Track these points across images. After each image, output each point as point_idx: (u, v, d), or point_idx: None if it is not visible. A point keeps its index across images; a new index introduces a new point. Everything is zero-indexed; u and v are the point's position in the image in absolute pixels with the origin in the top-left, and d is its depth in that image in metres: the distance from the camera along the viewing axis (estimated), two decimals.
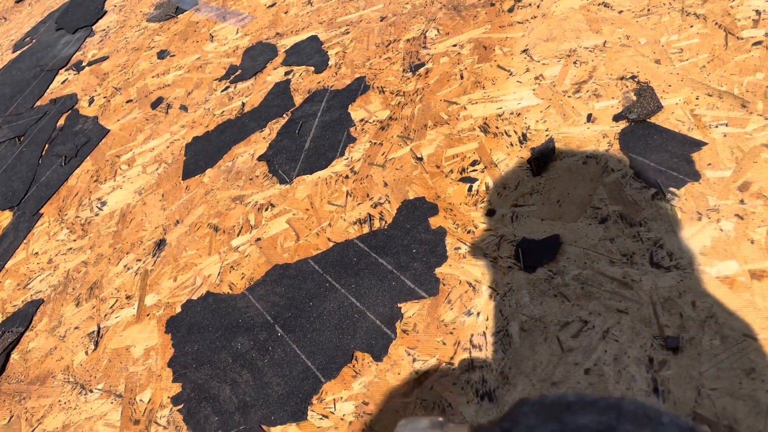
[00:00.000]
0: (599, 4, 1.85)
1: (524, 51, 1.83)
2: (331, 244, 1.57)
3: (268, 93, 2.19)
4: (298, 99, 2.10)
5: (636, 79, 1.59)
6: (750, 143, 1.33)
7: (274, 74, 2.27)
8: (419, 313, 1.34)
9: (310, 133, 1.94)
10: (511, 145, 1.58)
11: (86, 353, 1.59)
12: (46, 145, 2.46)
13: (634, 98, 1.54)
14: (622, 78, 1.61)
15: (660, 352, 1.11)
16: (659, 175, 1.36)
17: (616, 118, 1.52)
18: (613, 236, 1.30)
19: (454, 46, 1.99)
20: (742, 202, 1.24)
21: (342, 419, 1.24)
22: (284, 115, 2.06)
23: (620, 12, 1.79)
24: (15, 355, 1.67)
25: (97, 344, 1.60)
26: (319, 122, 1.96)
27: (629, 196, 1.35)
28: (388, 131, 1.81)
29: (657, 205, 1.31)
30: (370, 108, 1.93)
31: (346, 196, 1.68)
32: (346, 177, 1.73)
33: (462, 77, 1.86)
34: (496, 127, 1.65)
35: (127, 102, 2.50)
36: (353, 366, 1.32)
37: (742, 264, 1.16)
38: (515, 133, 1.61)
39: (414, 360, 1.27)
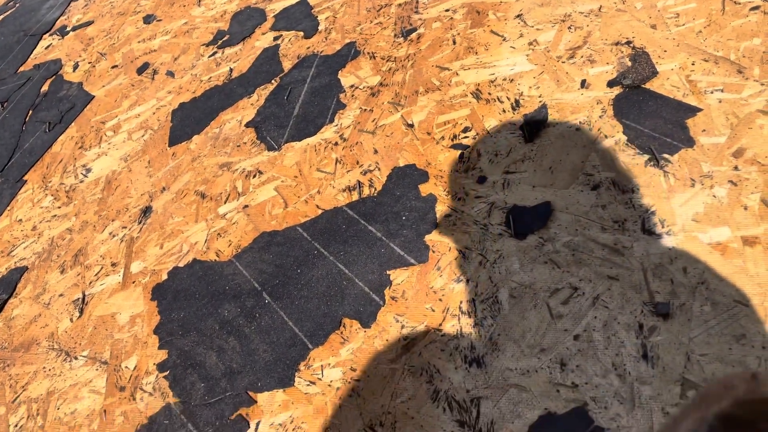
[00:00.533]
0: None
1: (518, 16, 1.79)
2: (320, 212, 1.55)
3: (257, 58, 2.14)
4: (287, 65, 2.06)
5: (631, 45, 1.56)
6: (745, 109, 1.31)
7: (262, 39, 2.22)
8: (408, 280, 1.33)
9: (299, 100, 1.90)
10: (504, 111, 1.55)
11: (71, 320, 1.57)
12: (30, 111, 2.40)
13: (629, 64, 1.51)
14: (617, 43, 1.58)
15: (650, 319, 1.10)
16: (653, 142, 1.34)
17: (611, 83, 1.49)
18: (605, 203, 1.28)
19: (447, 11, 1.95)
20: (736, 168, 1.23)
21: (329, 385, 1.23)
22: (273, 81, 2.02)
23: None
24: None
25: (82, 311, 1.58)
26: (309, 88, 1.92)
27: (622, 163, 1.33)
28: (378, 97, 1.78)
29: (650, 171, 1.29)
30: (361, 74, 1.89)
31: (336, 163, 1.65)
32: (336, 144, 1.70)
33: (454, 43, 1.82)
34: (489, 94, 1.62)
35: (113, 67, 2.45)
36: (341, 333, 1.30)
37: (734, 230, 1.14)
38: (508, 99, 1.58)
39: (402, 327, 1.26)
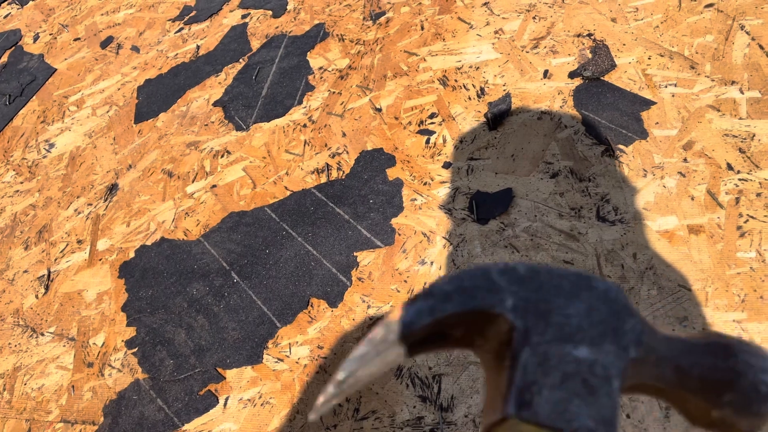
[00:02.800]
0: None
1: (485, 4, 1.83)
2: (288, 193, 1.58)
3: (224, 36, 2.14)
4: (255, 44, 2.06)
5: (592, 37, 1.61)
6: (696, 104, 1.38)
7: (230, 17, 2.22)
8: (374, 262, 1.37)
9: (267, 80, 1.92)
10: (469, 98, 1.60)
11: (36, 297, 1.58)
12: None
13: (590, 56, 1.57)
14: (579, 35, 1.63)
15: None
16: (609, 133, 1.40)
17: (572, 75, 1.55)
18: (563, 191, 1.34)
19: None
20: (685, 160, 1.30)
21: (297, 362, 1.27)
22: (241, 60, 2.02)
23: None
24: None
25: (47, 288, 1.58)
26: (277, 69, 1.93)
27: (580, 153, 1.39)
28: (347, 80, 1.81)
29: (606, 161, 1.36)
30: (329, 56, 1.91)
31: (304, 145, 1.68)
32: (304, 126, 1.73)
33: (422, 28, 1.85)
34: (455, 80, 1.66)
35: (75, 40, 2.41)
36: (309, 312, 1.34)
37: (681, 219, 1.22)
38: (473, 86, 1.62)
39: (368, 307, 1.31)
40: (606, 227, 1.26)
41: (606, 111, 1.44)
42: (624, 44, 1.57)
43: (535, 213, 1.33)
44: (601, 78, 1.52)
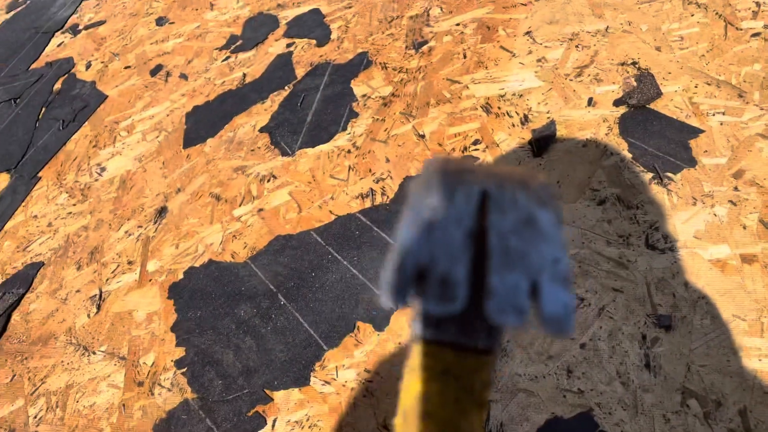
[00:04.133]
0: None
1: (527, 33, 1.86)
2: (334, 217, 1.61)
3: (270, 64, 2.20)
4: (300, 71, 2.11)
5: (637, 66, 1.62)
6: (745, 132, 1.38)
7: (275, 46, 2.28)
8: None
9: (312, 107, 1.96)
10: (513, 125, 1.62)
11: (88, 316, 1.62)
12: (43, 109, 2.44)
13: (635, 84, 1.58)
14: (623, 63, 1.64)
15: (653, 330, 1.16)
16: (657, 160, 1.40)
17: (617, 103, 1.56)
18: (611, 218, 1.34)
19: (458, 25, 2.01)
20: (735, 189, 1.29)
21: (344, 385, 1.28)
22: (286, 88, 2.07)
23: None
24: (16, 316, 1.69)
25: (99, 307, 1.63)
26: (322, 96, 1.98)
27: (627, 180, 1.39)
28: (390, 107, 1.84)
29: (654, 189, 1.36)
30: (373, 84, 1.94)
31: (349, 171, 1.70)
32: (349, 152, 1.76)
33: (465, 56, 1.88)
34: (498, 108, 1.68)
35: (126, 68, 2.49)
36: (355, 335, 1.36)
37: (733, 248, 1.21)
38: (517, 114, 1.64)
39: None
40: (656, 255, 1.25)
41: (653, 139, 1.45)
42: (669, 73, 1.57)
43: (582, 240, 1.33)
44: (647, 106, 1.52)
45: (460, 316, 0.36)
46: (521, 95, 1.69)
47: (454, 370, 0.36)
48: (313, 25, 2.30)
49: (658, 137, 1.45)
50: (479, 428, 0.37)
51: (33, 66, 2.75)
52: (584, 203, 1.39)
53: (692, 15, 1.69)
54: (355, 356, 1.32)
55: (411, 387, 0.37)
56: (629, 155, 1.44)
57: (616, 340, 1.17)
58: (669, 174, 1.37)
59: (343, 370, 1.31)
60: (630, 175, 1.40)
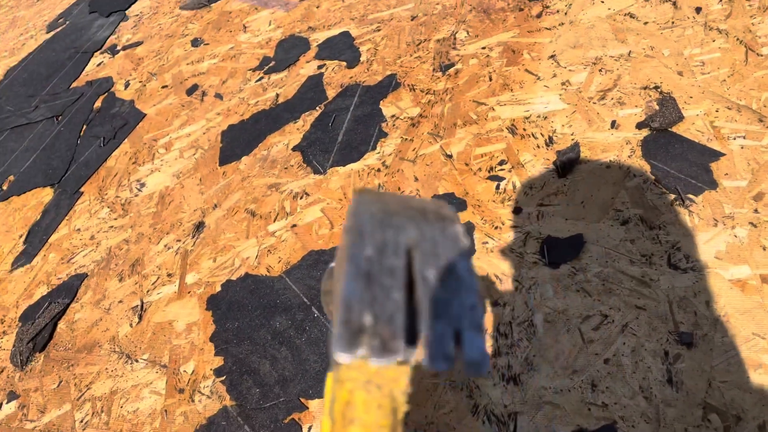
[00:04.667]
0: (625, 15, 1.94)
1: (551, 56, 1.92)
2: None
3: (302, 85, 2.28)
4: (330, 93, 2.19)
5: (659, 90, 1.68)
6: (765, 156, 1.43)
7: (307, 67, 2.36)
8: None
9: (342, 127, 2.04)
10: (538, 147, 1.68)
11: (131, 326, 1.70)
12: (84, 126, 2.55)
13: (657, 108, 1.63)
14: (645, 87, 1.70)
15: (675, 347, 1.21)
16: (679, 182, 1.45)
17: (639, 125, 1.61)
18: (634, 237, 1.39)
19: (483, 48, 2.08)
20: (756, 211, 1.34)
21: None
22: (317, 108, 2.15)
23: (645, 23, 1.88)
24: (62, 325, 1.78)
25: (141, 317, 1.71)
26: (352, 116, 2.06)
27: (650, 201, 1.44)
28: (418, 128, 1.91)
29: (676, 210, 1.41)
30: (401, 105, 2.02)
31: (378, 189, 1.78)
32: (378, 170, 1.83)
33: (491, 79, 1.95)
34: (524, 129, 1.74)
35: (163, 87, 2.60)
36: None
37: (754, 269, 1.25)
38: (542, 135, 1.70)
39: None
40: (678, 275, 1.30)
41: (675, 161, 1.50)
42: (691, 97, 1.62)
43: (606, 259, 1.38)
44: (669, 129, 1.57)
45: (378, 333, 0.40)
46: (546, 117, 1.75)
47: (376, 380, 0.41)
48: (343, 48, 2.39)
49: (680, 160, 1.50)
50: (400, 430, 0.42)
51: (74, 85, 2.87)
52: (608, 223, 1.44)
53: (713, 41, 1.74)
54: None
55: (338, 396, 0.41)
56: (652, 177, 1.49)
57: (639, 356, 1.22)
58: (691, 196, 1.42)
59: None
60: (653, 197, 1.45)
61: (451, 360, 0.37)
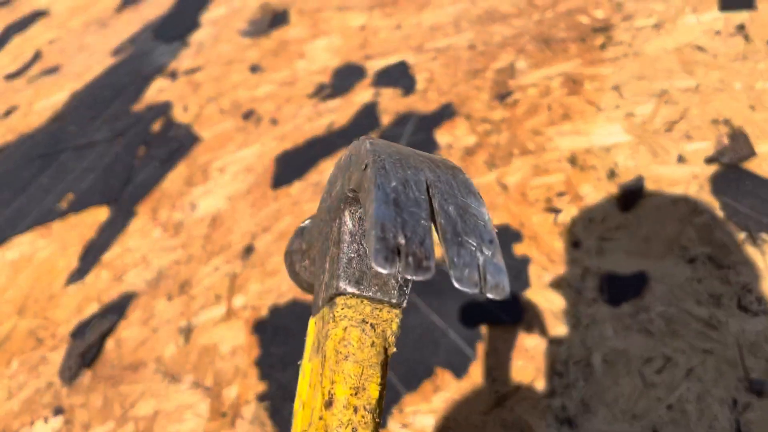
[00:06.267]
0: (693, 47, 1.87)
1: (615, 87, 1.86)
2: None
3: (356, 112, 2.28)
4: (385, 120, 2.18)
5: (729, 124, 1.60)
6: None
7: (362, 94, 2.36)
8: (501, 336, 1.38)
9: None
10: (599, 179, 1.62)
11: (176, 346, 1.69)
12: (142, 148, 2.61)
13: (727, 142, 1.55)
14: (714, 121, 1.62)
15: (744, 395, 1.12)
16: (750, 221, 1.37)
17: (708, 160, 1.53)
18: (701, 277, 1.31)
19: (543, 78, 2.04)
20: None
21: (422, 431, 1.29)
22: (372, 135, 2.14)
23: (715, 56, 1.81)
24: (110, 342, 1.79)
25: (187, 338, 1.70)
26: (405, 143, 2.03)
27: (719, 239, 1.36)
28: (473, 157, 1.87)
29: (747, 249, 1.32)
30: (457, 133, 1.99)
31: None
32: None
33: (550, 109, 1.90)
34: (584, 161, 1.68)
35: (220, 112, 2.64)
36: (433, 381, 1.37)
37: None
38: (603, 167, 1.64)
39: (494, 380, 1.31)
40: (748, 318, 1.22)
41: (746, 198, 1.41)
42: (764, 132, 1.54)
43: (670, 298, 1.30)
44: (740, 165, 1.49)
45: (377, 276, 0.46)
46: (608, 149, 1.69)
47: (371, 320, 0.45)
48: (398, 76, 2.38)
49: (752, 197, 1.42)
50: (385, 368, 0.45)
51: (134, 108, 2.95)
52: (673, 260, 1.37)
53: None
54: (433, 402, 1.33)
55: (332, 334, 0.44)
56: (721, 214, 1.41)
57: (704, 402, 1.13)
58: (763, 235, 1.33)
59: (421, 415, 1.32)
60: (722, 234, 1.37)
61: (476, 283, 0.39)
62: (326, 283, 0.49)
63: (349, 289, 0.46)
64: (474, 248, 0.41)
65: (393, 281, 0.47)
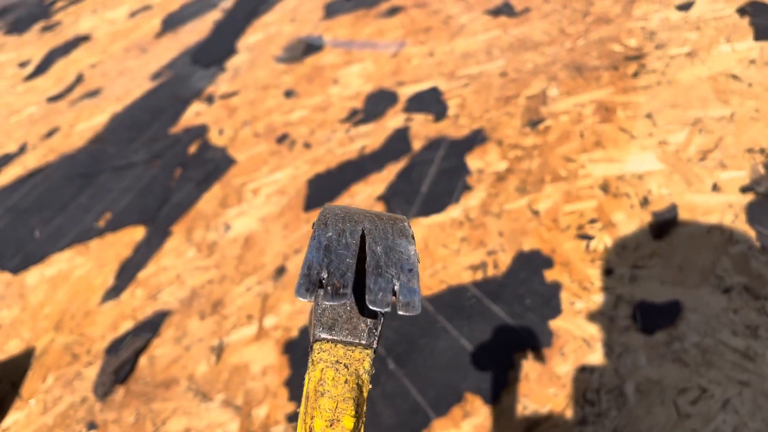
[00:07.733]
0: (728, 76, 1.86)
1: (648, 115, 1.86)
2: (445, 287, 1.64)
3: (388, 137, 2.31)
4: (416, 145, 2.21)
5: (765, 153, 1.59)
6: None
7: (394, 120, 2.39)
8: (532, 363, 1.38)
9: (426, 178, 2.03)
10: (632, 206, 1.61)
11: (208, 365, 1.72)
12: (179, 169, 2.67)
13: (763, 171, 1.54)
14: (750, 150, 1.61)
15: None
16: None
17: (744, 189, 1.52)
18: (737, 307, 1.30)
19: (575, 105, 2.04)
20: None
21: None
22: (402, 160, 2.16)
23: (750, 84, 1.80)
24: (143, 360, 1.82)
25: (218, 357, 1.72)
26: (437, 168, 2.05)
27: (755, 269, 1.34)
28: (504, 182, 1.88)
29: None
30: (488, 159, 2.00)
31: (461, 242, 1.74)
32: (461, 223, 1.80)
33: (582, 136, 1.90)
34: (617, 188, 1.68)
35: (254, 136, 2.69)
36: (463, 406, 1.36)
37: None
38: (636, 195, 1.63)
39: (524, 407, 1.31)
40: None
41: None
42: None
43: (705, 328, 1.28)
44: None
45: (348, 322, 0.52)
46: (641, 177, 1.68)
47: (344, 361, 0.50)
48: (431, 101, 2.41)
49: None
50: (362, 404, 0.49)
51: (172, 130, 3.03)
52: (708, 290, 1.35)
53: None
54: (463, 428, 1.32)
55: (312, 376, 0.49)
56: (758, 244, 1.39)
57: None
58: None
59: None
60: (758, 265, 1.35)
61: (388, 304, 0.49)
62: (311, 333, 0.54)
63: (323, 335, 0.51)
64: (392, 276, 0.51)
65: (362, 325, 0.52)
